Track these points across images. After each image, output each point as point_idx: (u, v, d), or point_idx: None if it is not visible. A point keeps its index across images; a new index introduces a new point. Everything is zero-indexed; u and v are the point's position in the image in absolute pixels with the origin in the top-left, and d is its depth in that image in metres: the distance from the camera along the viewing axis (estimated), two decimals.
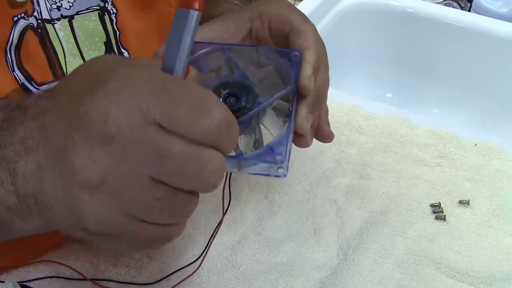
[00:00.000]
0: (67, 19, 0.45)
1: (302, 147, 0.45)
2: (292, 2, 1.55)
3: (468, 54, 0.93)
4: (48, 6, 0.44)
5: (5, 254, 0.49)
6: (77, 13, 0.46)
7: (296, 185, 0.62)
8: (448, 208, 0.60)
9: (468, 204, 0.61)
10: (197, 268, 0.52)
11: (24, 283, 0.49)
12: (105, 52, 0.48)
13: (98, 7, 0.47)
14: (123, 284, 0.51)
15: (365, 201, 0.61)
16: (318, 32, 0.45)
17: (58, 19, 0.45)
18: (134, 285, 0.51)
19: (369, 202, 0.61)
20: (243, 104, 0.41)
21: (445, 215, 0.59)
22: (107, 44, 0.48)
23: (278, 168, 0.40)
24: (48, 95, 0.35)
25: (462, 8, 1.09)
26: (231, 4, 0.58)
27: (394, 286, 0.52)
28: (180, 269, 0.52)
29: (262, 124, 0.44)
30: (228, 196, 0.54)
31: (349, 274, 0.53)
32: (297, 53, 0.43)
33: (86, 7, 0.46)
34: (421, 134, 0.70)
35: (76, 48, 0.47)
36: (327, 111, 0.50)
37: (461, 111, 0.93)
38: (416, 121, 0.72)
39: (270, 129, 0.45)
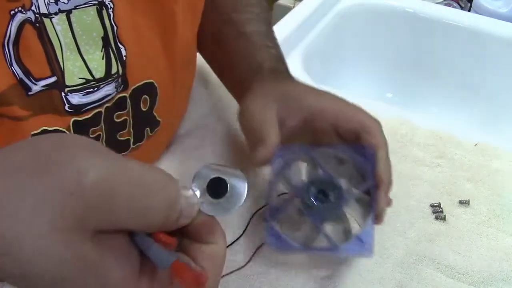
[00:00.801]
0: (64, 13, 0.45)
1: None
2: (292, 2, 1.54)
3: (468, 54, 0.93)
4: (46, 0, 0.43)
5: None
6: (75, 8, 0.45)
7: None
8: (448, 208, 0.60)
9: (468, 204, 0.61)
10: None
11: None
12: (102, 47, 0.48)
13: (96, 2, 0.46)
14: None
15: None
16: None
17: (56, 14, 0.44)
18: None
19: None
20: (331, 199, 0.48)
21: (445, 215, 0.59)
22: (105, 39, 0.48)
23: (366, 253, 0.48)
24: None
25: (462, 8, 1.09)
26: (251, 14, 0.61)
27: (394, 286, 0.52)
28: None
29: (345, 212, 0.50)
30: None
31: (349, 274, 0.52)
32: (371, 151, 0.49)
33: (84, 2, 0.45)
34: (421, 134, 0.70)
35: (74, 43, 0.46)
36: None
37: (461, 111, 0.93)
38: (416, 121, 0.71)
39: (353, 215, 0.51)
